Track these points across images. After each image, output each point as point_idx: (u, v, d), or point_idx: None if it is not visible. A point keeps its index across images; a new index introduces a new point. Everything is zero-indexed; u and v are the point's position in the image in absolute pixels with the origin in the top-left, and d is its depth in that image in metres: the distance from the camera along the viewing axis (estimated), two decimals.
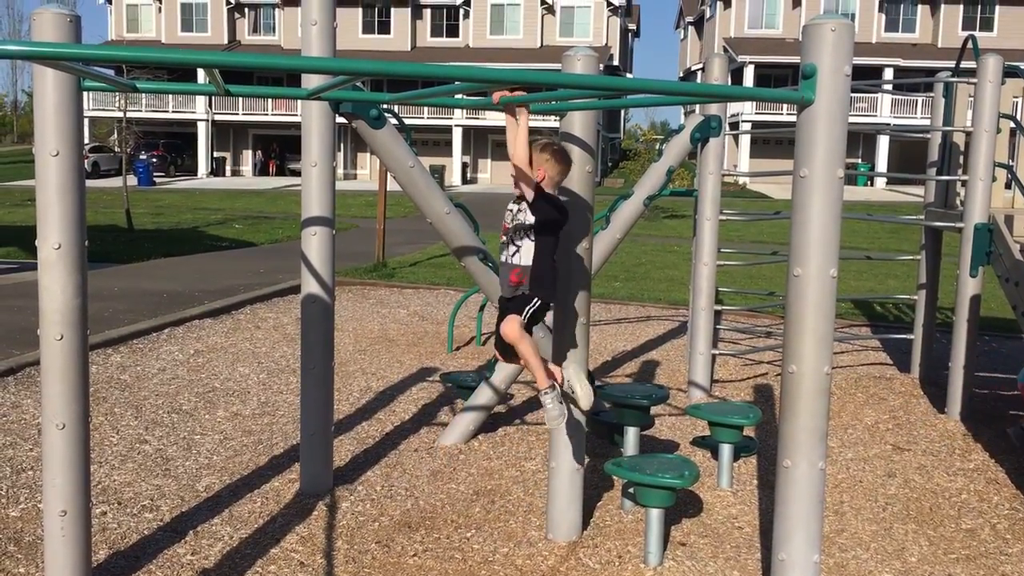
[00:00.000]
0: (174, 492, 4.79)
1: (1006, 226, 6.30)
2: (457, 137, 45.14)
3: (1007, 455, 5.83)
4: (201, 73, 38.50)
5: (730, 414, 5.17)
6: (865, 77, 35.63)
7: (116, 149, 39.19)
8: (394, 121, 4.79)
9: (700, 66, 45.39)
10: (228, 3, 48.23)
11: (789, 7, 45.29)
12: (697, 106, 7.21)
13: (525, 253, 3.72)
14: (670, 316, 10.79)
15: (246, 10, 49.12)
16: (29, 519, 4.36)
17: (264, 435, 5.81)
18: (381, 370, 7.69)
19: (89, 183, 3.93)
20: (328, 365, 4.82)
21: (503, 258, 3.83)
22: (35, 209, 3.24)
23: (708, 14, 48.95)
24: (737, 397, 7.06)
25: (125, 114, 26.40)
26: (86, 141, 35.80)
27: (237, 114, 46.88)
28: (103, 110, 42.29)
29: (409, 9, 47.23)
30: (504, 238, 3.80)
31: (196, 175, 46.17)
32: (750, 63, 42.63)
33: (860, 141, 43.14)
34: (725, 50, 42.25)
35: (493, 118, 39.29)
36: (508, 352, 3.87)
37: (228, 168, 48.65)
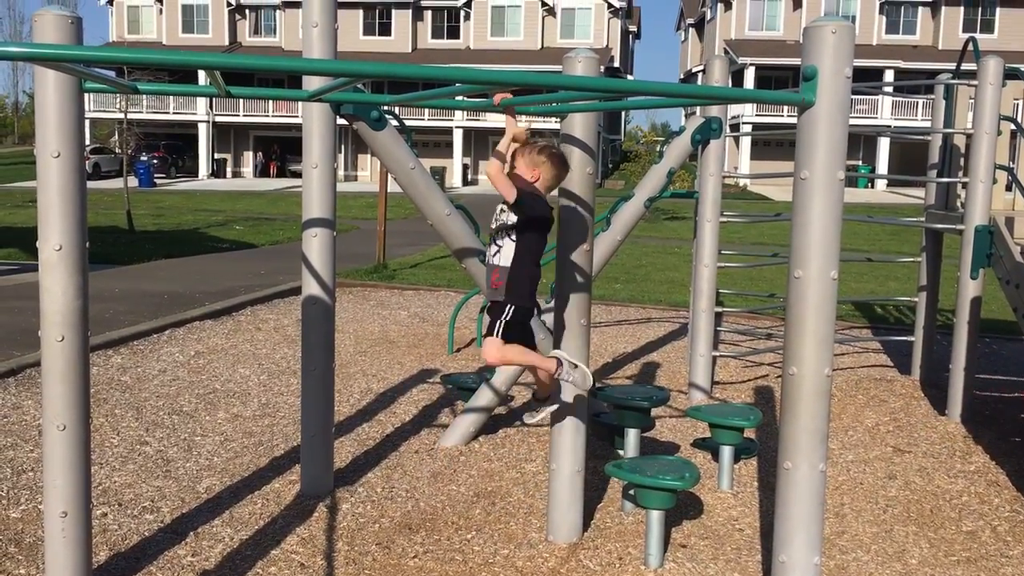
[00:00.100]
0: (175, 493, 4.79)
1: (1007, 228, 6.29)
2: (458, 139, 45.17)
3: (1008, 457, 5.82)
4: (202, 74, 38.54)
5: (731, 416, 5.16)
6: (866, 79, 35.64)
7: (117, 150, 39.21)
8: (395, 123, 4.79)
9: (701, 68, 45.41)
10: (229, 4, 48.29)
11: (790, 9, 45.32)
12: (698, 108, 7.21)
13: (505, 254, 3.68)
14: (671, 318, 10.80)
15: (247, 12, 49.19)
16: (30, 520, 4.36)
17: (265, 436, 5.81)
18: (382, 372, 7.69)
19: (90, 184, 3.93)
20: (329, 367, 4.82)
21: (486, 258, 3.81)
22: (36, 210, 3.24)
23: (709, 16, 48.98)
24: (738, 399, 7.06)
25: (126, 115, 26.41)
26: (87, 142, 35.84)
27: (238, 115, 46.93)
28: (104, 111, 42.33)
29: (410, 11, 47.28)
30: (489, 238, 3.79)
31: (197, 176, 46.21)
32: (751, 65, 42.65)
33: (861, 143, 43.15)
34: (726, 52, 42.28)
35: (494, 120, 39.31)
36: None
37: (229, 169, 48.69)
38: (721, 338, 8.76)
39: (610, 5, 46.84)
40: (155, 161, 42.40)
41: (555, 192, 4.07)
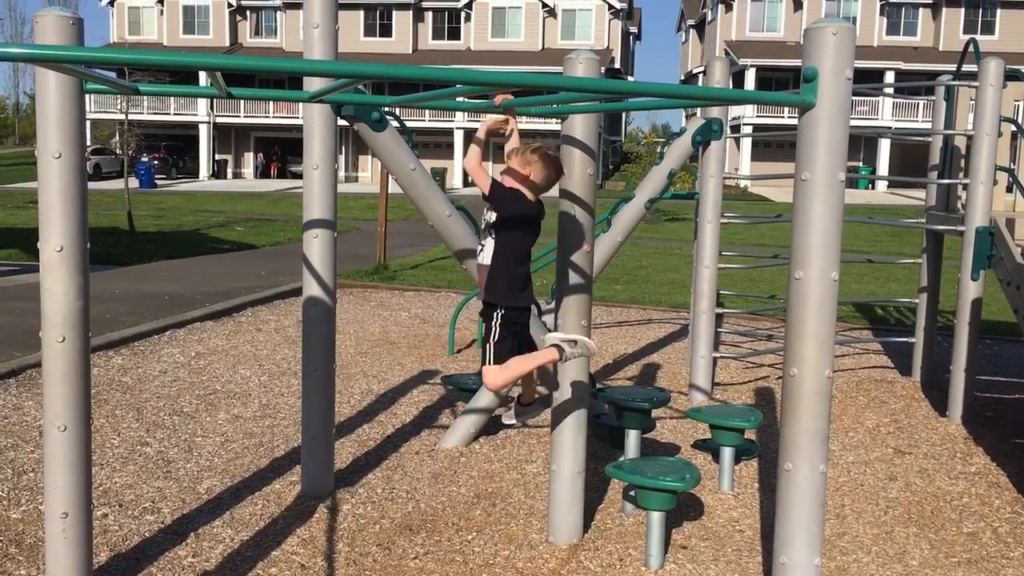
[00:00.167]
0: (175, 494, 4.79)
1: (1007, 229, 6.29)
2: (458, 140, 45.18)
3: (1008, 459, 5.82)
4: (203, 76, 38.56)
5: (731, 417, 5.16)
6: (866, 80, 35.66)
7: (118, 151, 39.23)
8: (395, 124, 4.80)
9: (701, 69, 45.37)
10: (230, 6, 48.33)
11: (790, 10, 45.34)
12: (698, 109, 7.22)
13: (487, 252, 3.69)
14: (671, 319, 10.80)
15: (248, 13, 49.23)
16: (30, 521, 4.36)
17: (265, 437, 5.81)
18: (382, 373, 7.69)
19: (91, 185, 3.92)
20: (329, 367, 4.82)
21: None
22: (37, 211, 3.24)
23: (709, 17, 48.99)
24: (738, 400, 7.06)
25: (127, 116, 26.43)
26: (88, 143, 35.83)
27: (239, 116, 46.96)
28: (105, 112, 42.36)
29: (410, 12, 47.31)
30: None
31: (198, 177, 46.23)
32: (751, 66, 42.67)
33: (861, 144, 43.17)
34: (726, 53, 42.29)
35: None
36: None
37: (230, 170, 48.72)
38: (722, 339, 8.77)
39: (611, 6, 46.87)
40: (156, 162, 42.41)
41: (554, 193, 4.08)
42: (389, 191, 14.51)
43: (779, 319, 10.00)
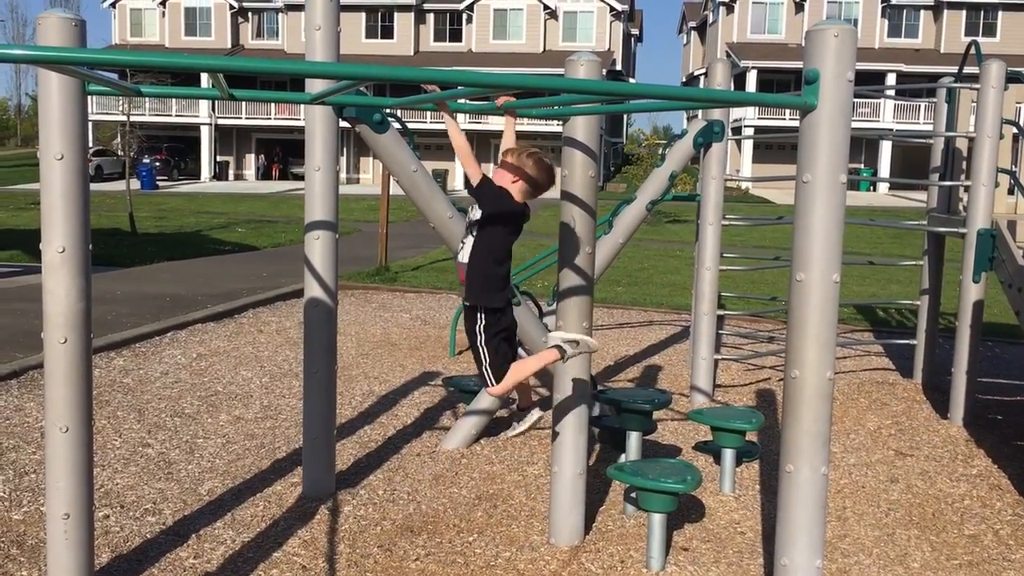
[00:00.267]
0: (176, 496, 4.79)
1: (1009, 231, 6.29)
2: None
3: (1010, 461, 5.82)
4: (204, 77, 38.60)
5: (732, 419, 5.16)
6: (868, 82, 35.63)
7: (120, 153, 39.24)
8: (397, 125, 4.80)
9: (703, 71, 45.40)
10: (231, 7, 48.37)
11: (792, 12, 45.35)
12: (700, 111, 7.22)
13: (467, 250, 3.67)
14: (672, 321, 10.80)
15: (249, 14, 49.26)
16: (32, 522, 4.36)
17: (267, 439, 5.81)
18: (383, 374, 7.70)
19: (93, 186, 3.94)
20: (331, 369, 4.83)
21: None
22: (39, 212, 3.25)
23: (711, 19, 49.01)
24: (739, 402, 7.06)
25: (129, 118, 26.44)
26: (90, 145, 35.87)
27: (240, 118, 46.99)
28: (107, 114, 42.40)
29: (412, 14, 47.34)
30: None
31: (199, 179, 46.26)
32: (753, 68, 42.68)
33: (863, 146, 43.17)
34: (728, 55, 42.30)
35: (495, 123, 39.32)
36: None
37: (231, 172, 48.75)
38: (723, 341, 8.76)
39: (612, 8, 46.89)
40: (157, 163, 42.43)
41: (555, 195, 4.08)
42: (390, 193, 14.51)
43: (780, 321, 10.00)
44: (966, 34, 42.42)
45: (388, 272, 14.21)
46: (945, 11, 43.87)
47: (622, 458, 5.28)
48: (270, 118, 46.84)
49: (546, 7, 46.68)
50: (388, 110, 4.65)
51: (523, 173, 3.64)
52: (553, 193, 3.91)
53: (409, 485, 5.07)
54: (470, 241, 3.65)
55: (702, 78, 45.47)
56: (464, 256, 3.66)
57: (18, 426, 5.87)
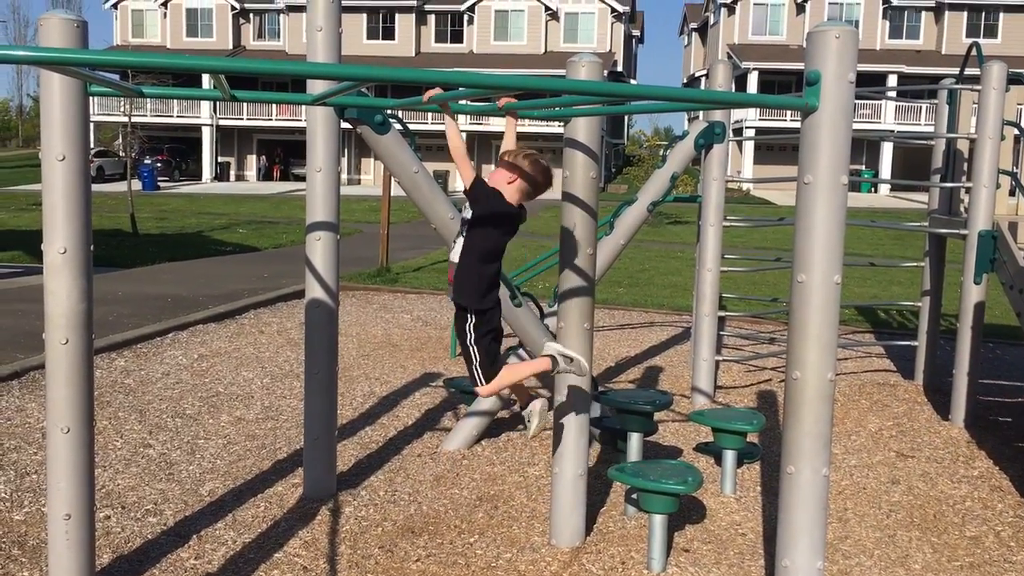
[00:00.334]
0: (178, 496, 4.79)
1: (1010, 233, 6.29)
2: None
3: (1011, 462, 5.82)
4: (206, 78, 38.62)
5: (734, 420, 5.16)
6: (869, 84, 35.66)
7: (121, 154, 39.24)
8: (398, 126, 4.80)
9: (704, 72, 45.43)
10: (233, 8, 48.39)
11: (793, 14, 45.34)
12: (701, 112, 7.22)
13: (457, 249, 3.67)
14: (673, 322, 10.79)
15: (251, 16, 49.28)
16: (33, 523, 4.36)
17: (268, 440, 5.81)
18: (384, 375, 7.70)
19: (94, 187, 3.95)
20: (332, 370, 4.83)
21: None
22: (41, 213, 3.25)
23: (712, 20, 49.01)
24: (740, 403, 7.06)
25: (130, 119, 26.45)
26: (91, 146, 35.85)
27: (241, 119, 47.00)
28: (108, 115, 42.39)
29: (413, 15, 47.35)
30: None
31: (200, 180, 46.26)
32: (754, 69, 42.67)
33: (864, 148, 43.15)
34: (729, 56, 42.31)
35: (496, 124, 39.34)
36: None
37: (232, 173, 48.76)
38: (724, 342, 8.76)
39: (613, 10, 46.89)
40: (159, 164, 42.40)
41: (556, 196, 4.08)
42: (392, 194, 14.52)
43: (781, 322, 10.00)
44: (967, 35, 42.41)
45: (389, 273, 14.22)
46: (946, 12, 43.86)
47: (624, 459, 5.28)
48: (271, 119, 46.85)
49: (547, 8, 46.68)
50: (389, 111, 4.66)
51: (520, 173, 3.63)
52: (554, 194, 3.90)
53: (410, 486, 5.07)
54: (459, 240, 3.65)
55: (703, 79, 45.50)
56: (455, 255, 3.66)
57: (19, 427, 5.87)
